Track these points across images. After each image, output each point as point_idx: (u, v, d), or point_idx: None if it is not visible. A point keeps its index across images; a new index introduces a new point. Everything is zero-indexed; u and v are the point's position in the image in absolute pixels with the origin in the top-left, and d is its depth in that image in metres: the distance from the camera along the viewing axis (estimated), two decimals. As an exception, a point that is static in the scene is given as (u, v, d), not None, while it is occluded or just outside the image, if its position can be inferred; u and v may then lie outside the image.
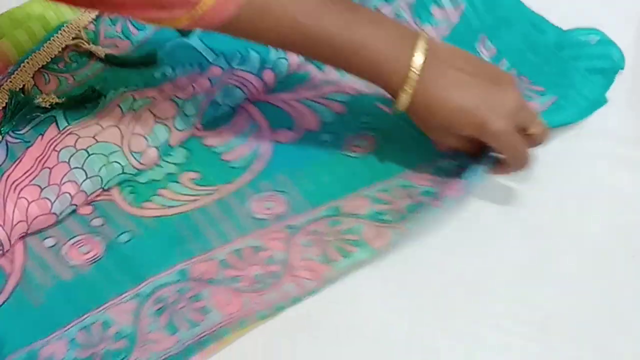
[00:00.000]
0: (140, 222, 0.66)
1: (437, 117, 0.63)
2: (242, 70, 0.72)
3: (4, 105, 0.71)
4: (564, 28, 0.77)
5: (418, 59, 0.61)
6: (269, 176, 0.69)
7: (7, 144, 0.68)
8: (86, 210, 0.67)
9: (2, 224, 0.63)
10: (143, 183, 0.68)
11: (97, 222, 0.66)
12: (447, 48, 0.65)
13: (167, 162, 0.69)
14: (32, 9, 0.76)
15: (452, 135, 0.65)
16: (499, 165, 0.66)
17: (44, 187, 0.65)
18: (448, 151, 0.68)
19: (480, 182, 0.66)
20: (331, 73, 0.74)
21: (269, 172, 0.69)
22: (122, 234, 0.66)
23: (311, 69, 0.74)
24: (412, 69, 0.61)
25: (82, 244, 0.65)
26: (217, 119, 0.71)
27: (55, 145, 0.67)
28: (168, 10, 0.58)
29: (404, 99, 0.62)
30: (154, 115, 0.69)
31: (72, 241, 0.65)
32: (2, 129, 0.69)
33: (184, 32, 0.74)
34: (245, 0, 0.59)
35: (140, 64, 0.74)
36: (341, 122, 0.72)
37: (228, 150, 0.70)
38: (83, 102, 0.70)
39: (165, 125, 0.69)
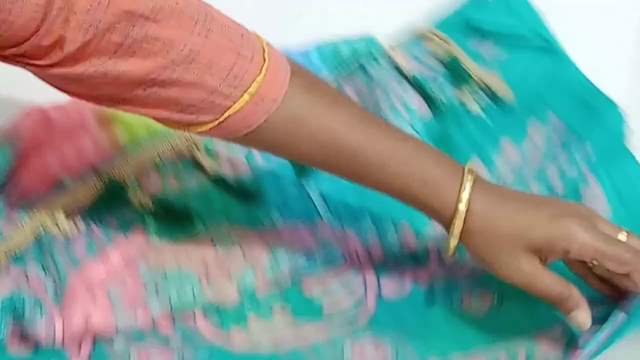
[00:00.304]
0: (224, 353, 0.61)
1: (500, 239, 0.56)
2: (352, 235, 0.67)
3: (100, 192, 0.66)
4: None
5: (467, 185, 0.56)
6: (371, 328, 0.62)
7: (90, 235, 0.64)
8: (166, 330, 0.61)
9: (62, 319, 0.59)
10: (229, 310, 0.63)
11: (175, 341, 0.61)
12: (494, 183, 0.62)
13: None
14: None
15: (530, 266, 0.56)
16: (619, 294, 0.58)
17: (115, 301, 0.61)
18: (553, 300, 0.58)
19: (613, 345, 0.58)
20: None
21: (371, 326, 0.63)
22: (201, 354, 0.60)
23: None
24: (463, 194, 0.56)
25: (154, 353, 0.60)
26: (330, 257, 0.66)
27: (138, 259, 0.63)
28: (195, 116, 0.55)
29: (457, 226, 0.57)
30: (245, 256, 0.65)
31: (143, 348, 0.60)
32: (86, 213, 0.65)
33: (301, 172, 0.69)
34: (277, 108, 0.56)
35: (244, 197, 0.68)
36: (454, 278, 0.65)
37: (327, 297, 0.64)
38: (179, 223, 0.66)
39: (254, 269, 0.64)
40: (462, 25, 0.76)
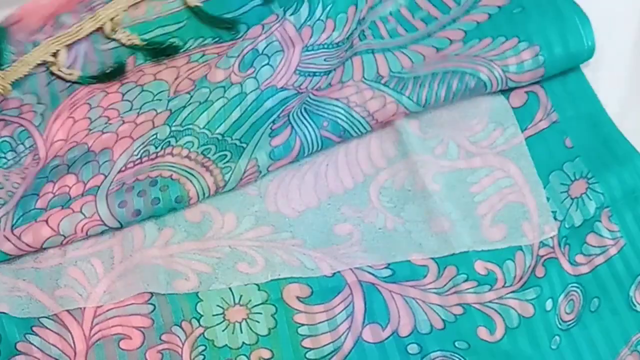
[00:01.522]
0: None
1: None
2: (289, 22, 0.74)
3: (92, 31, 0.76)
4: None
5: None
6: None
7: (85, 57, 0.76)
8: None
9: (44, 139, 0.71)
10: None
11: None
12: None
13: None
14: None
15: None
16: None
17: (93, 107, 0.72)
18: None
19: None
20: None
21: None
22: None
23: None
24: None
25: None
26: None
27: (123, 80, 0.73)
28: None
29: None
30: (210, 67, 0.73)
31: None
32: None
33: None
34: None
35: (221, 27, 0.76)
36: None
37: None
38: (164, 53, 0.75)
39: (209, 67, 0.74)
40: None
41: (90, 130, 0.71)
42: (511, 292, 0.68)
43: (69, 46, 0.75)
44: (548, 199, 0.71)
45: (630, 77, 0.78)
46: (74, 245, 0.67)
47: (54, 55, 0.75)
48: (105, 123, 0.71)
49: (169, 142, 0.69)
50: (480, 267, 0.68)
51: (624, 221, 0.71)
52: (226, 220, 0.69)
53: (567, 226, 0.70)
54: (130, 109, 0.71)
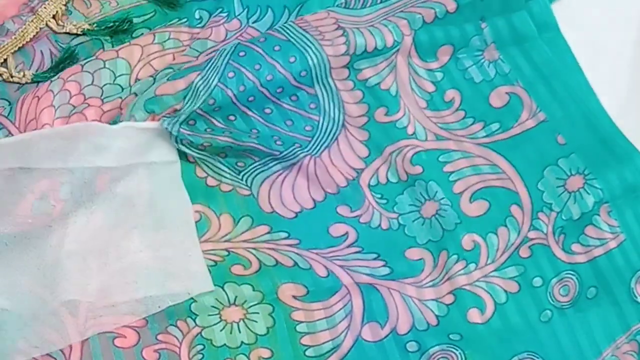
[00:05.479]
0: None
1: None
2: (253, 29, 0.74)
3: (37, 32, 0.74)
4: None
5: None
6: None
7: (50, 57, 0.74)
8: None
9: (17, 125, 0.69)
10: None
11: None
12: None
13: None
14: None
15: None
16: None
17: (53, 80, 0.70)
18: None
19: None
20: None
21: None
22: None
23: None
24: None
25: None
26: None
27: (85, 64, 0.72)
28: None
29: None
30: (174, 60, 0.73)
31: None
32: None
33: None
34: None
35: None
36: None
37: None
38: (116, 32, 0.74)
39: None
40: None
41: (55, 107, 0.69)
42: (494, 270, 0.68)
43: (34, 50, 0.75)
44: (543, 192, 0.71)
45: (630, 77, 0.78)
46: (71, 238, 0.67)
47: (3, 64, 0.74)
48: (68, 101, 0.70)
49: None
50: (467, 241, 0.69)
51: (624, 218, 0.71)
52: (222, 222, 0.69)
53: (564, 218, 0.70)
54: (92, 83, 0.70)
